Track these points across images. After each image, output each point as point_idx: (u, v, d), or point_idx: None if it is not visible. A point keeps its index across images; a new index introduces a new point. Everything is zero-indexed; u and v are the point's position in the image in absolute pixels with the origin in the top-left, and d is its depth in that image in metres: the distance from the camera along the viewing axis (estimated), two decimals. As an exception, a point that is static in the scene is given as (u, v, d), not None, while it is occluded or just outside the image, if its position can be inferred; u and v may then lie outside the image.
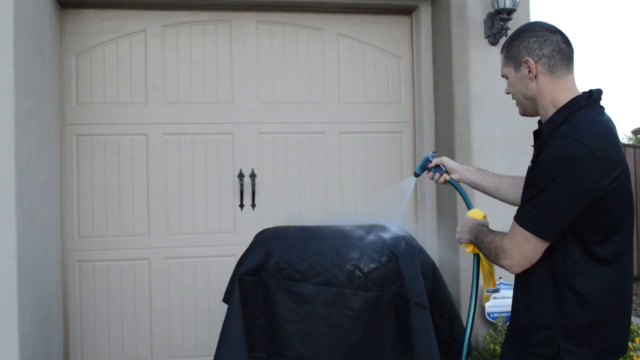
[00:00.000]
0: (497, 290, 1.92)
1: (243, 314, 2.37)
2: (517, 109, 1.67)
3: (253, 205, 3.63)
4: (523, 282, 1.56)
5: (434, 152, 2.06)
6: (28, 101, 2.82)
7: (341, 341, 2.43)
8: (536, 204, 1.43)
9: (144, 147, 3.52)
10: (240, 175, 3.61)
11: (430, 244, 3.69)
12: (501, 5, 3.28)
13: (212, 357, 2.39)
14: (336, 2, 3.65)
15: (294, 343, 2.41)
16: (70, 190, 3.45)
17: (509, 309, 2.28)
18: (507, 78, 1.65)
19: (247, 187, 3.62)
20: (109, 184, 3.49)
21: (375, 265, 2.41)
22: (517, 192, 1.87)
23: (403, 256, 2.41)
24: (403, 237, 2.52)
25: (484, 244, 1.64)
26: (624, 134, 20.14)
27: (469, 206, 1.93)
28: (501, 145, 3.49)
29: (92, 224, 3.47)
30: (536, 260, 1.48)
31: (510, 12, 3.31)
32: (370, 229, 2.60)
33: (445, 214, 3.61)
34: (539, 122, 1.63)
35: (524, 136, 3.51)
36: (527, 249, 1.46)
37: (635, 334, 3.12)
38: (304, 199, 3.70)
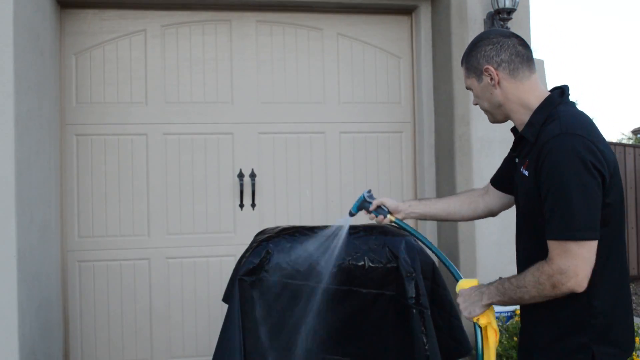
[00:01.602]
0: None
1: (243, 314, 2.37)
2: None
3: (253, 205, 3.63)
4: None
5: (369, 192, 1.97)
6: (28, 101, 2.82)
7: (341, 341, 2.43)
8: (569, 207, 1.36)
9: (144, 147, 3.53)
10: (240, 175, 3.61)
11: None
12: (501, 5, 3.28)
13: (212, 357, 2.39)
14: (336, 2, 3.65)
15: (293, 343, 2.41)
16: (70, 190, 3.45)
17: (510, 308, 2.27)
18: (471, 90, 1.65)
19: (247, 187, 3.62)
20: (109, 184, 3.49)
21: (375, 265, 2.41)
22: (470, 207, 1.91)
23: (403, 256, 2.41)
24: (403, 237, 2.52)
25: (526, 287, 1.45)
26: (623, 134, 20.15)
27: (456, 275, 1.81)
28: (501, 145, 3.49)
29: (92, 224, 3.47)
30: (593, 265, 1.39)
31: (510, 12, 3.32)
32: (370, 229, 2.60)
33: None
34: (513, 129, 1.64)
35: (524, 136, 3.50)
36: (587, 256, 1.37)
37: (635, 334, 3.12)
38: (303, 198, 3.70)
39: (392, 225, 1.94)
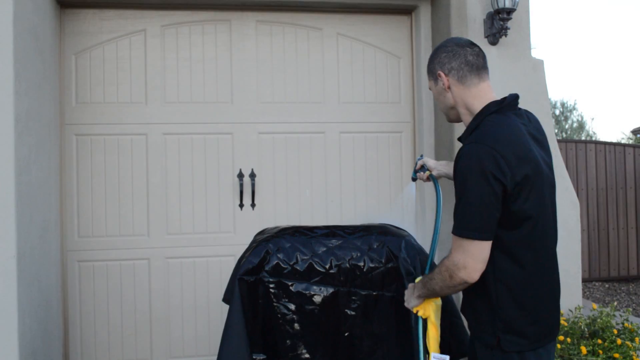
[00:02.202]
0: (446, 358, 1.95)
1: (243, 314, 2.37)
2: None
3: (253, 205, 3.63)
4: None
5: (421, 156, 2.28)
6: (28, 101, 2.82)
7: (341, 341, 2.43)
8: (465, 210, 1.56)
9: (144, 147, 3.52)
10: (240, 175, 3.61)
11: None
12: (501, 5, 3.28)
13: (212, 357, 2.39)
14: (336, 2, 3.65)
15: (294, 343, 2.41)
16: (70, 190, 3.45)
17: None
18: (431, 91, 1.84)
19: (246, 187, 3.62)
20: (109, 183, 3.49)
21: (375, 265, 2.41)
22: None
23: (403, 256, 2.41)
24: (403, 237, 2.53)
25: (434, 279, 1.70)
26: (623, 134, 20.14)
27: (439, 203, 2.07)
28: (501, 145, 3.48)
29: (92, 223, 3.47)
30: (486, 261, 1.57)
31: (510, 11, 3.31)
32: (370, 228, 2.60)
33: (445, 214, 3.61)
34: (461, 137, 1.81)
35: (524, 136, 3.51)
36: (476, 251, 1.56)
37: (635, 334, 3.12)
38: (303, 198, 3.70)
39: (429, 180, 2.21)
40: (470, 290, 1.69)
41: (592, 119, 36.32)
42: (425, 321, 1.93)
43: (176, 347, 3.53)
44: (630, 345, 2.97)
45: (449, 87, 1.73)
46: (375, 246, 2.46)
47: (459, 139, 1.74)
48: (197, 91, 3.59)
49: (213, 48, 3.62)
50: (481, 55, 1.72)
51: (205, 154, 3.59)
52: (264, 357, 2.41)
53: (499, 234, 1.57)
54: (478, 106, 1.68)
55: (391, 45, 3.84)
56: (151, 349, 3.51)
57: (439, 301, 1.92)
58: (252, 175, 3.63)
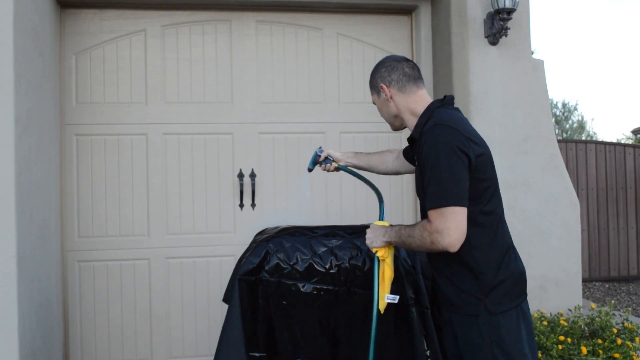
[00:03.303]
0: (395, 299, 2.06)
1: (243, 314, 2.37)
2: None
3: (253, 205, 3.63)
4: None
5: (320, 148, 2.39)
6: (28, 101, 2.82)
7: (341, 341, 2.43)
8: (440, 182, 1.68)
9: (144, 147, 3.53)
10: (240, 175, 3.61)
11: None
12: (501, 5, 3.28)
13: (212, 357, 2.39)
14: (336, 2, 3.65)
15: (294, 342, 2.41)
16: (70, 190, 3.45)
17: None
18: (375, 104, 2.04)
19: (247, 187, 3.62)
20: (109, 183, 3.49)
21: (375, 265, 2.41)
22: (383, 165, 2.37)
23: (403, 256, 2.41)
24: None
25: (413, 237, 1.79)
26: (623, 134, 20.14)
27: (380, 217, 2.23)
28: (501, 145, 3.49)
29: (92, 224, 3.47)
30: (465, 230, 1.69)
31: (510, 12, 3.32)
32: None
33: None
34: (409, 138, 1.98)
35: (524, 136, 3.51)
36: (458, 220, 1.67)
37: (635, 334, 3.12)
38: (303, 198, 3.70)
39: (337, 170, 2.37)
40: (447, 267, 1.83)
41: (592, 119, 36.34)
42: (380, 264, 2.07)
43: (176, 347, 3.53)
44: (630, 345, 2.97)
45: (391, 97, 1.95)
46: (375, 246, 2.45)
47: (410, 139, 1.92)
48: (197, 91, 3.59)
49: (213, 48, 3.62)
50: (416, 68, 1.97)
51: (205, 154, 3.59)
52: (263, 356, 2.42)
53: (468, 207, 1.71)
54: (420, 108, 1.90)
55: (391, 45, 3.84)
56: (151, 349, 3.51)
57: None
58: (252, 175, 3.63)
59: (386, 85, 1.95)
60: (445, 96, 1.92)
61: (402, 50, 3.85)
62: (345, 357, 2.43)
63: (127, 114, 3.52)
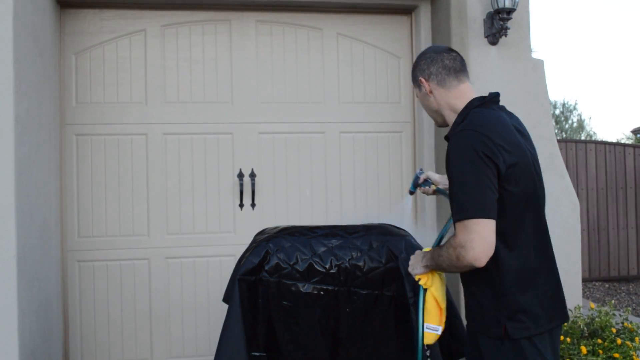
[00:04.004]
0: (438, 330, 1.95)
1: (243, 313, 2.37)
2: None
3: (253, 205, 3.63)
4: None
5: (421, 170, 2.28)
6: (28, 101, 2.82)
7: (341, 341, 2.43)
8: (464, 193, 1.58)
9: (144, 147, 3.53)
10: (240, 175, 3.61)
11: (430, 244, 3.68)
12: (501, 5, 3.28)
13: (212, 357, 2.40)
14: (336, 2, 3.65)
15: (293, 342, 2.41)
16: (70, 190, 3.45)
17: None
18: (417, 98, 1.94)
19: (246, 186, 3.62)
20: (109, 183, 3.49)
21: (375, 265, 2.41)
22: None
23: (403, 256, 2.41)
24: (403, 237, 2.53)
25: (442, 256, 1.69)
26: (623, 134, 20.15)
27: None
28: (501, 145, 3.48)
29: (92, 223, 3.47)
30: (494, 243, 1.57)
31: (509, 11, 3.31)
32: (370, 228, 2.60)
33: (445, 214, 3.61)
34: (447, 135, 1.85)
35: (524, 136, 3.50)
36: (482, 231, 1.55)
37: (634, 334, 3.12)
38: (303, 198, 3.70)
39: (436, 193, 2.24)
40: (473, 283, 1.73)
41: (590, 117, 36.35)
42: (425, 292, 1.93)
43: (176, 347, 3.53)
44: (630, 345, 2.96)
45: (430, 92, 1.84)
46: (375, 246, 2.46)
47: (446, 137, 1.78)
48: (197, 91, 3.59)
49: (213, 48, 3.62)
50: (458, 59, 1.84)
51: (205, 154, 3.59)
52: (263, 356, 2.42)
53: (496, 221, 1.60)
54: (461, 105, 1.78)
55: (391, 45, 3.84)
56: (151, 349, 3.51)
57: (443, 275, 1.91)
58: (252, 175, 3.63)
59: (425, 79, 1.84)
60: (489, 93, 1.80)
61: (402, 50, 3.85)
62: (345, 357, 2.44)
63: (127, 114, 3.52)
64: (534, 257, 1.69)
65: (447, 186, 2.06)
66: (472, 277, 1.72)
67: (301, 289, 2.40)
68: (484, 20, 3.48)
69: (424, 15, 3.75)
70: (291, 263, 2.40)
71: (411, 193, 2.33)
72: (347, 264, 2.41)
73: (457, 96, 1.80)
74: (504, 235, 1.63)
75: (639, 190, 6.95)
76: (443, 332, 2.42)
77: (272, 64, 3.69)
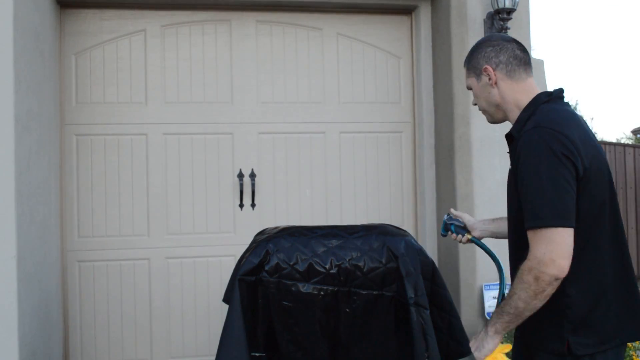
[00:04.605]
0: None
1: (243, 314, 2.37)
2: None
3: (253, 205, 3.63)
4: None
5: (449, 215, 2.08)
6: (28, 101, 2.82)
7: (341, 341, 2.43)
8: (541, 198, 1.41)
9: (144, 147, 3.52)
10: (240, 175, 3.61)
11: (430, 244, 3.69)
12: (501, 5, 3.28)
13: (212, 357, 2.39)
14: (336, 2, 3.65)
15: (293, 343, 2.41)
16: (70, 190, 3.45)
17: None
18: (471, 89, 1.74)
19: (246, 187, 3.62)
20: (109, 183, 3.49)
21: (375, 265, 2.41)
22: None
23: (403, 256, 2.41)
24: (403, 237, 2.52)
25: (515, 294, 1.44)
26: (623, 134, 20.16)
27: (499, 267, 1.84)
28: (501, 146, 3.48)
29: (92, 224, 3.47)
30: (572, 253, 1.40)
31: (510, 12, 3.32)
32: (370, 228, 2.60)
33: (446, 213, 3.61)
34: (507, 134, 1.70)
35: (524, 136, 3.50)
36: (562, 241, 1.38)
37: (626, 326, 3.12)
38: (303, 199, 3.70)
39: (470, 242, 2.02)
40: None
41: (592, 118, 36.38)
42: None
43: (176, 347, 3.53)
44: (630, 345, 2.97)
45: (495, 83, 1.64)
46: (375, 246, 2.46)
47: (508, 135, 1.63)
48: (197, 91, 3.59)
49: (213, 48, 3.62)
50: (526, 50, 1.67)
51: (205, 154, 3.59)
52: (264, 356, 2.42)
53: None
54: (526, 100, 1.60)
55: (391, 45, 3.83)
56: (151, 349, 3.51)
57: (508, 350, 1.63)
58: (252, 175, 3.63)
59: (492, 68, 1.63)
60: (553, 90, 1.63)
61: (402, 50, 3.85)
62: (345, 357, 2.43)
63: (127, 114, 3.52)
64: (606, 269, 1.51)
65: (487, 231, 1.94)
66: None
67: (301, 289, 2.39)
68: (484, 20, 3.48)
69: (424, 15, 3.75)
70: (291, 263, 2.40)
71: (443, 236, 2.18)
72: (347, 264, 2.40)
73: (524, 90, 1.61)
74: (576, 244, 1.43)
75: (639, 191, 6.95)
76: (442, 334, 2.42)
77: (272, 64, 3.69)
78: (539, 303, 1.43)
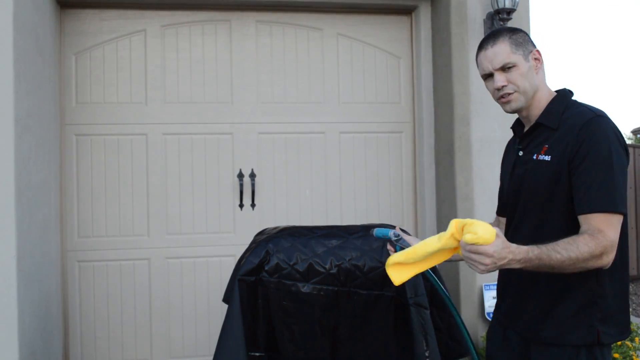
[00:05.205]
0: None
1: (243, 314, 2.37)
2: None
3: (253, 205, 3.63)
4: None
5: (396, 233, 1.84)
6: (28, 101, 2.82)
7: (341, 341, 2.43)
8: (612, 183, 1.42)
9: (144, 147, 3.52)
10: (240, 175, 3.61)
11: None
12: (501, 5, 3.28)
13: (212, 357, 2.39)
14: (336, 2, 3.65)
15: (293, 343, 2.41)
16: (70, 190, 3.45)
17: None
18: (511, 67, 1.59)
19: (246, 187, 3.62)
20: (109, 183, 3.49)
21: (375, 265, 2.41)
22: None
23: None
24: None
25: (566, 251, 1.37)
26: (624, 134, 20.16)
27: (446, 297, 1.73)
28: (501, 146, 3.46)
29: (91, 224, 3.47)
30: None
31: (510, 12, 3.32)
32: (370, 228, 2.60)
33: (446, 214, 3.61)
34: (515, 125, 1.74)
35: (524, 136, 3.50)
36: (618, 232, 1.42)
37: (635, 334, 3.12)
38: (303, 199, 3.70)
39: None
40: (568, 283, 1.52)
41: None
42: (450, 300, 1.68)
43: (176, 347, 3.53)
44: (630, 345, 2.97)
45: (538, 69, 1.63)
46: (375, 246, 2.46)
47: (536, 126, 1.62)
48: (197, 91, 3.59)
49: (213, 48, 3.62)
50: None
51: (205, 154, 3.59)
52: (263, 356, 2.42)
53: None
54: (547, 91, 1.64)
55: (391, 45, 3.84)
56: (151, 349, 3.51)
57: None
58: (252, 176, 3.63)
59: (540, 53, 1.62)
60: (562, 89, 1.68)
61: (402, 50, 3.85)
62: (345, 357, 2.43)
63: (127, 114, 3.52)
64: (626, 259, 1.57)
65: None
66: (565, 283, 1.51)
67: (301, 289, 2.39)
68: (484, 20, 3.48)
69: (424, 15, 3.75)
70: (291, 263, 2.40)
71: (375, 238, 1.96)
72: (347, 264, 2.40)
73: (545, 82, 1.66)
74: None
75: (639, 190, 6.95)
76: (442, 333, 2.41)
77: (272, 64, 3.69)
78: (573, 269, 1.40)
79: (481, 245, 1.25)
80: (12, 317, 2.60)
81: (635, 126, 18.09)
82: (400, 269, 1.49)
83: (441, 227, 3.65)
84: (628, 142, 16.99)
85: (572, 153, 1.49)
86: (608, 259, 1.40)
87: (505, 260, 1.29)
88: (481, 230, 1.27)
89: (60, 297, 3.36)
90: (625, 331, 1.55)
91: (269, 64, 3.68)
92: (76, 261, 3.46)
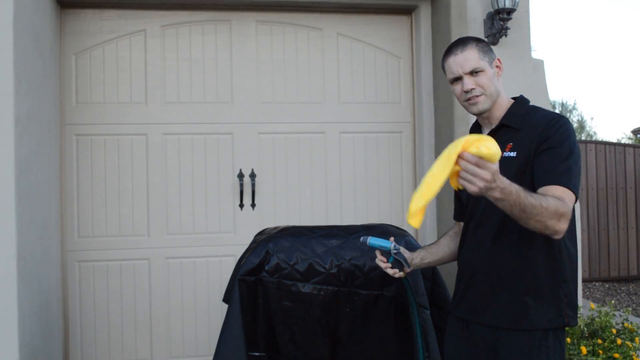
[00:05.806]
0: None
1: (243, 314, 2.37)
2: None
3: (253, 205, 3.63)
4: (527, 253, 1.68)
5: (396, 246, 1.93)
6: (28, 101, 2.82)
7: (341, 341, 2.43)
8: (574, 168, 1.60)
9: (144, 147, 3.52)
10: (240, 175, 3.61)
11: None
12: (501, 5, 3.28)
13: (212, 357, 2.39)
14: (336, 2, 3.65)
15: (293, 343, 2.41)
16: (70, 190, 3.45)
17: None
18: (478, 72, 1.74)
19: (246, 187, 3.62)
20: (109, 183, 3.49)
21: (375, 264, 2.41)
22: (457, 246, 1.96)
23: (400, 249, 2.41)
24: (403, 237, 2.52)
25: (541, 207, 1.45)
26: (624, 134, 20.15)
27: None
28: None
29: (92, 224, 3.47)
30: None
31: (510, 12, 3.31)
32: (370, 229, 2.60)
33: (446, 213, 3.61)
34: (473, 127, 1.90)
35: (524, 136, 3.50)
36: (571, 209, 1.57)
37: (635, 334, 3.12)
38: (303, 199, 3.70)
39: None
40: (537, 268, 1.66)
41: (592, 118, 36.34)
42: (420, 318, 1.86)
43: (176, 347, 3.53)
44: (630, 345, 2.96)
45: (498, 76, 1.81)
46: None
47: (504, 124, 1.76)
48: (197, 91, 3.59)
49: (213, 48, 3.62)
50: None
51: (205, 154, 3.59)
52: (263, 356, 2.42)
53: None
54: (505, 96, 1.81)
55: (391, 45, 3.84)
56: (151, 349, 3.51)
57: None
58: (252, 176, 3.63)
59: (500, 62, 1.82)
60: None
61: (402, 50, 3.85)
62: (345, 357, 2.43)
63: (127, 114, 3.52)
64: (577, 247, 1.76)
65: (425, 262, 1.96)
66: (539, 263, 1.65)
67: (301, 289, 2.39)
68: (484, 20, 3.47)
69: (424, 15, 3.75)
70: (291, 263, 2.40)
71: (369, 245, 1.96)
72: (347, 264, 2.41)
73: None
74: (572, 225, 1.64)
75: (639, 191, 6.95)
76: (442, 333, 2.41)
77: (272, 64, 3.69)
78: (535, 222, 1.47)
79: (488, 161, 1.32)
80: (13, 317, 2.60)
81: (635, 126, 18.11)
82: (420, 213, 1.44)
83: (441, 227, 3.65)
84: (628, 142, 16.98)
85: (537, 145, 1.64)
86: (564, 226, 1.52)
87: (495, 184, 1.35)
88: (495, 147, 1.31)
89: (61, 297, 3.36)
90: (576, 316, 1.70)
91: (269, 64, 3.68)
92: (76, 261, 3.46)
